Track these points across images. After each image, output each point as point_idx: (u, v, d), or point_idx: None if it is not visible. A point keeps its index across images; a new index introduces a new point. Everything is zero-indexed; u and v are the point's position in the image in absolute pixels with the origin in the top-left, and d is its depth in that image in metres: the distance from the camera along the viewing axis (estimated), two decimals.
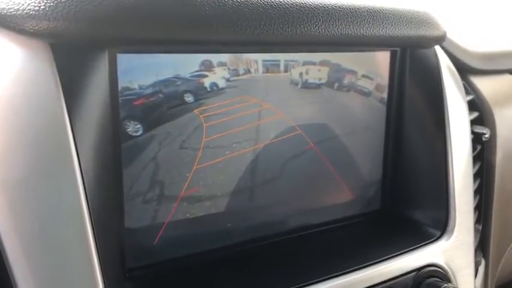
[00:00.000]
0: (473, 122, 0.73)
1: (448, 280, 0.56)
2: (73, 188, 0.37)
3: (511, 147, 0.79)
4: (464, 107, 0.63)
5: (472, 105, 0.76)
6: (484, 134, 0.70)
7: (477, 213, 0.72)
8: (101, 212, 0.39)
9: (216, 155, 0.49)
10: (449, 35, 0.79)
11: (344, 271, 0.49)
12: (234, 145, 0.50)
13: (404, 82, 0.59)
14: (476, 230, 0.72)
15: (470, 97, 0.75)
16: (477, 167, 0.72)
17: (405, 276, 0.53)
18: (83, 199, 0.37)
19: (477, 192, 0.72)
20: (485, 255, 0.72)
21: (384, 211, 0.62)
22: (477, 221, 0.72)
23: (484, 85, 0.80)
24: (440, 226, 0.59)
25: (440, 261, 0.56)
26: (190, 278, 0.48)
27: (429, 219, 0.60)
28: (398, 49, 0.59)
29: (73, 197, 0.37)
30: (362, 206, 0.61)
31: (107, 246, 0.40)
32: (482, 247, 0.72)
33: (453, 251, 0.58)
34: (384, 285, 0.51)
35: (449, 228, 0.58)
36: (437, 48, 0.62)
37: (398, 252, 0.54)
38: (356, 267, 0.50)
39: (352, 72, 0.56)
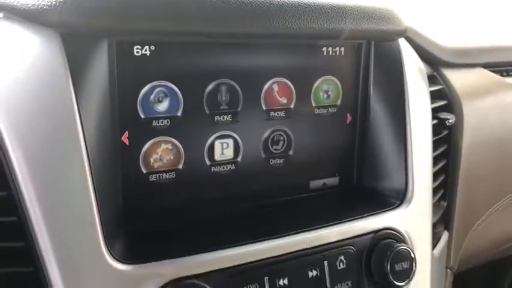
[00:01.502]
0: (441, 109, 0.81)
1: (404, 242, 0.64)
2: (79, 158, 0.46)
3: (479, 135, 0.86)
4: (425, 93, 0.71)
5: (442, 95, 0.84)
6: (449, 119, 0.77)
7: (443, 191, 0.80)
8: (102, 176, 0.48)
9: None
10: (424, 31, 0.87)
11: (307, 228, 0.58)
12: None
13: (369, 70, 0.67)
14: (441, 206, 0.80)
15: (439, 87, 0.83)
16: (443, 148, 0.79)
17: (364, 237, 0.61)
18: (86, 166, 0.46)
19: (443, 171, 0.80)
20: (449, 230, 0.80)
21: (352, 185, 0.70)
22: (442, 198, 0.80)
23: (455, 77, 0.88)
24: (400, 196, 0.66)
25: (398, 226, 0.64)
26: (179, 234, 0.56)
27: (391, 191, 0.67)
28: (363, 42, 0.67)
29: (79, 165, 0.46)
30: (331, 181, 0.69)
31: (106, 204, 0.48)
32: (445, 222, 0.80)
33: (411, 218, 0.66)
34: (343, 243, 0.59)
35: (407, 198, 0.66)
36: (403, 42, 0.70)
37: (359, 216, 0.62)
38: (319, 226, 0.58)
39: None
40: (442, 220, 0.79)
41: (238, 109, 0.60)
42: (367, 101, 0.69)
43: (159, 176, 0.56)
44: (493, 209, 0.88)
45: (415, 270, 0.62)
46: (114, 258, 0.46)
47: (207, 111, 0.58)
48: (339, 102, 0.68)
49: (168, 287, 0.48)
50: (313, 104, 0.66)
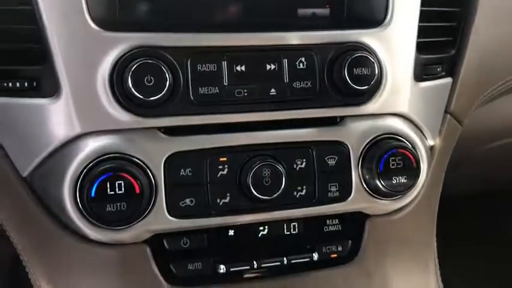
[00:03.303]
0: None
1: (376, 58, 0.67)
2: None
3: None
4: None
5: None
6: None
7: (452, 38, 0.79)
8: None
9: None
10: None
11: (269, 29, 0.65)
12: None
13: None
14: (448, 52, 0.80)
15: None
16: None
17: (328, 46, 0.66)
18: None
19: (454, 18, 0.79)
20: (454, 77, 0.79)
21: (343, 16, 0.73)
22: (450, 45, 0.80)
23: None
24: (380, 20, 0.69)
25: (369, 43, 0.67)
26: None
27: (375, 16, 0.70)
28: None
29: None
30: (321, 12, 0.73)
31: None
32: (451, 69, 0.79)
33: (387, 40, 0.68)
34: (305, 47, 0.66)
35: (385, 21, 0.69)
36: None
37: (327, 28, 0.67)
38: (281, 29, 0.66)
39: None
40: (447, 67, 0.79)
41: None
42: None
43: None
44: (505, 81, 0.85)
45: (379, 78, 0.66)
46: (93, 21, 0.60)
47: None
48: None
49: (133, 52, 0.60)
50: None
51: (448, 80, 0.79)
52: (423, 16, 0.73)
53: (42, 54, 0.61)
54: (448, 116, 0.80)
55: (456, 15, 0.79)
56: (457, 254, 1.26)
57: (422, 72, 0.75)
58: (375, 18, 0.70)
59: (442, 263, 0.82)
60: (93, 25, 0.60)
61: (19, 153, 0.62)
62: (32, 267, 0.66)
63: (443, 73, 0.79)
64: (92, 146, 0.61)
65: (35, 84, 0.61)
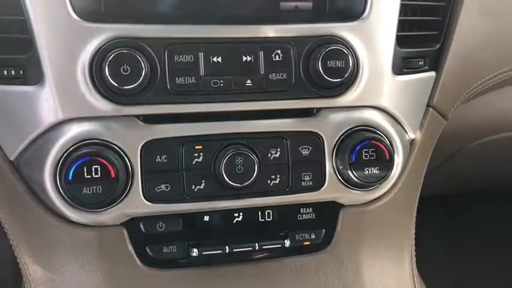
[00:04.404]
0: None
1: (352, 51, 0.68)
2: None
3: None
4: None
5: None
6: None
7: (437, 32, 0.80)
8: None
9: None
10: None
11: (246, 23, 0.67)
12: None
13: None
14: (432, 47, 0.80)
15: None
16: None
17: (305, 39, 0.67)
18: None
19: (439, 12, 0.79)
20: (437, 72, 0.79)
21: (325, 10, 0.76)
22: (435, 40, 0.80)
23: None
24: (359, 13, 0.70)
25: (346, 36, 0.69)
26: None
27: (355, 10, 0.71)
28: None
29: None
30: (304, 5, 0.75)
31: None
32: (434, 63, 0.79)
33: (365, 34, 0.69)
34: (281, 39, 0.67)
35: (364, 15, 0.70)
36: None
37: (305, 21, 0.68)
38: (258, 22, 0.67)
39: None
40: (431, 61, 0.80)
41: None
42: None
43: None
44: (493, 76, 0.84)
45: (354, 71, 0.68)
46: (75, 11, 0.63)
47: None
48: None
49: (111, 42, 0.63)
50: None
51: (431, 73, 0.79)
52: (405, 10, 0.74)
53: (27, 44, 0.64)
54: (431, 109, 0.80)
55: (441, 9, 0.79)
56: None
57: (402, 66, 0.75)
58: (355, 12, 0.72)
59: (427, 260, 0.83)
60: (74, 15, 0.63)
61: (6, 138, 0.66)
62: (18, 246, 0.69)
63: (426, 67, 0.79)
64: (72, 132, 0.64)
65: (21, 72, 0.64)
